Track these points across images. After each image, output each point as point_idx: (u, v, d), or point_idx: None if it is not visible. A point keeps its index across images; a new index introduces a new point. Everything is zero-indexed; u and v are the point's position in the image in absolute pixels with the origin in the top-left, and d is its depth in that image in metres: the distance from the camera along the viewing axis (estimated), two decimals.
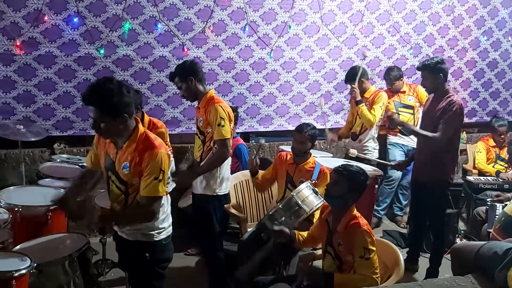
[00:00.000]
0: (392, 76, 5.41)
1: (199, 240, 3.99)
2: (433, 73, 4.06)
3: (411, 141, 5.31)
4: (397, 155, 5.42)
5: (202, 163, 3.57)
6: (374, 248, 2.85)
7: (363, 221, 2.94)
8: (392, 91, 5.42)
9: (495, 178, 5.41)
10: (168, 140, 4.16)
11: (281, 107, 5.72)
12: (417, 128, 4.13)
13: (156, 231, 2.68)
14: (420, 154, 4.28)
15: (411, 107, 5.47)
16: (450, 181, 4.19)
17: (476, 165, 5.90)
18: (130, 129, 2.54)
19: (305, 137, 3.87)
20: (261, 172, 4.16)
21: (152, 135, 2.60)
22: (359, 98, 4.87)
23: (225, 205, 4.15)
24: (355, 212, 2.99)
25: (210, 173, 3.56)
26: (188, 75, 3.54)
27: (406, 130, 4.35)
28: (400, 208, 5.76)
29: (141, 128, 2.58)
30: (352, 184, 2.98)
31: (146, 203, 2.51)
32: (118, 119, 2.45)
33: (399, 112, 5.35)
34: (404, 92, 5.48)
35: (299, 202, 3.42)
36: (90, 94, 2.42)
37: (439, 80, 4.08)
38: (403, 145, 5.49)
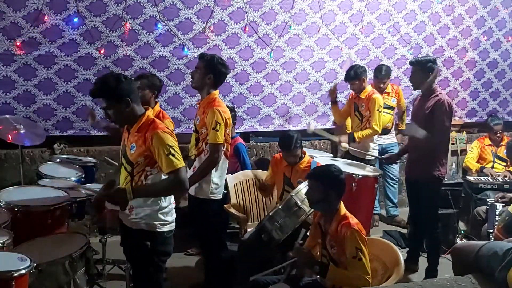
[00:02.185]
0: (385, 73, 5.40)
1: (197, 239, 3.98)
2: (423, 70, 4.11)
3: (386, 140, 5.44)
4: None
5: (195, 169, 3.53)
6: (366, 248, 2.85)
7: (353, 220, 2.94)
8: (380, 91, 5.39)
9: (494, 177, 5.42)
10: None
11: (281, 107, 5.72)
12: (421, 132, 4.11)
13: (159, 222, 2.78)
14: (412, 152, 4.30)
15: (392, 108, 5.55)
16: (440, 177, 4.19)
17: (464, 162, 5.94)
18: (137, 114, 2.74)
19: (295, 150, 3.89)
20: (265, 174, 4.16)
21: (158, 121, 2.78)
22: (346, 139, 4.95)
23: (225, 205, 4.16)
24: (345, 212, 3.00)
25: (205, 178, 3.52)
26: (210, 72, 3.50)
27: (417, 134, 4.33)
28: (394, 206, 5.72)
29: (149, 115, 2.78)
30: (326, 184, 3.00)
31: (170, 178, 2.65)
32: (123, 103, 2.68)
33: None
34: (388, 93, 5.51)
35: (299, 202, 3.42)
36: (94, 87, 2.73)
37: (427, 78, 4.11)
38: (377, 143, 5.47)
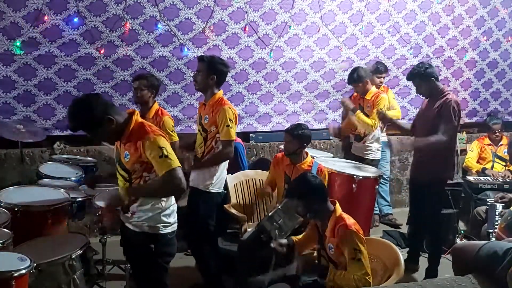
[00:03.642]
0: (383, 69, 5.38)
1: (190, 234, 3.97)
2: (425, 79, 4.07)
3: (384, 136, 5.35)
4: None
5: (205, 158, 3.62)
6: (364, 248, 2.85)
7: (350, 221, 2.94)
8: (377, 87, 5.32)
9: (496, 178, 5.43)
10: (174, 132, 4.11)
11: (278, 105, 5.72)
12: (419, 141, 4.11)
13: (162, 224, 2.78)
14: (418, 153, 4.28)
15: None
16: (447, 179, 4.18)
17: (464, 162, 5.95)
18: (123, 123, 2.70)
19: (290, 137, 3.89)
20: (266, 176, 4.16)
21: (147, 123, 2.76)
22: (352, 106, 4.89)
23: (225, 205, 4.16)
24: (340, 212, 2.99)
25: (207, 169, 3.61)
26: (213, 72, 3.58)
27: (407, 145, 4.29)
28: (388, 205, 5.69)
29: (137, 119, 2.74)
30: (303, 196, 3.01)
31: (166, 179, 2.61)
32: (106, 123, 2.63)
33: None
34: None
35: None
36: (72, 123, 2.64)
37: (432, 84, 4.08)
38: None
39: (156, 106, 4.17)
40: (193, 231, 3.79)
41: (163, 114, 4.09)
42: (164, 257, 2.86)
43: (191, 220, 3.74)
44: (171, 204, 2.83)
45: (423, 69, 4.08)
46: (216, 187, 3.66)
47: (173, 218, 2.86)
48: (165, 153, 2.59)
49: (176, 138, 4.04)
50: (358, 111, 4.86)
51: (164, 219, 2.78)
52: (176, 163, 2.61)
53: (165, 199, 2.77)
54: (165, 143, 2.65)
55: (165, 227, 2.79)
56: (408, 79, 4.21)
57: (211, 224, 3.70)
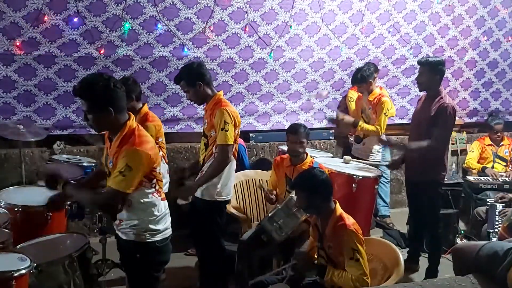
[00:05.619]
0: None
1: (194, 240, 3.94)
2: (432, 71, 4.07)
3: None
4: None
5: (203, 173, 3.48)
6: (363, 248, 2.85)
7: (349, 221, 2.94)
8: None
9: (496, 178, 5.42)
10: (162, 140, 3.91)
11: (278, 104, 5.72)
12: (412, 144, 4.17)
13: (148, 233, 2.64)
14: (411, 154, 4.29)
15: None
16: (441, 180, 4.19)
17: (465, 163, 5.94)
18: (119, 124, 2.55)
19: (302, 137, 3.87)
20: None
21: (142, 133, 2.61)
22: (352, 120, 4.87)
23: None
24: (341, 212, 2.99)
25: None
26: (196, 80, 3.41)
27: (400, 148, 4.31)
28: (385, 206, 5.63)
29: (132, 124, 2.58)
30: (308, 190, 3.01)
31: (106, 193, 2.50)
32: (104, 112, 2.50)
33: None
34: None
35: None
36: (80, 87, 2.52)
37: (435, 79, 4.09)
38: None
39: (145, 109, 3.88)
40: (197, 237, 3.76)
41: (148, 120, 3.78)
42: (154, 266, 2.74)
43: (198, 230, 3.68)
44: (161, 211, 2.69)
45: (435, 61, 4.11)
46: (223, 196, 3.53)
47: (163, 225, 2.69)
48: (127, 173, 2.42)
49: (163, 147, 3.85)
50: (361, 122, 4.84)
51: (152, 226, 2.63)
52: (128, 187, 2.44)
53: (155, 206, 2.64)
54: (139, 163, 2.46)
55: (153, 235, 2.64)
56: (419, 63, 4.20)
57: (217, 231, 3.62)
